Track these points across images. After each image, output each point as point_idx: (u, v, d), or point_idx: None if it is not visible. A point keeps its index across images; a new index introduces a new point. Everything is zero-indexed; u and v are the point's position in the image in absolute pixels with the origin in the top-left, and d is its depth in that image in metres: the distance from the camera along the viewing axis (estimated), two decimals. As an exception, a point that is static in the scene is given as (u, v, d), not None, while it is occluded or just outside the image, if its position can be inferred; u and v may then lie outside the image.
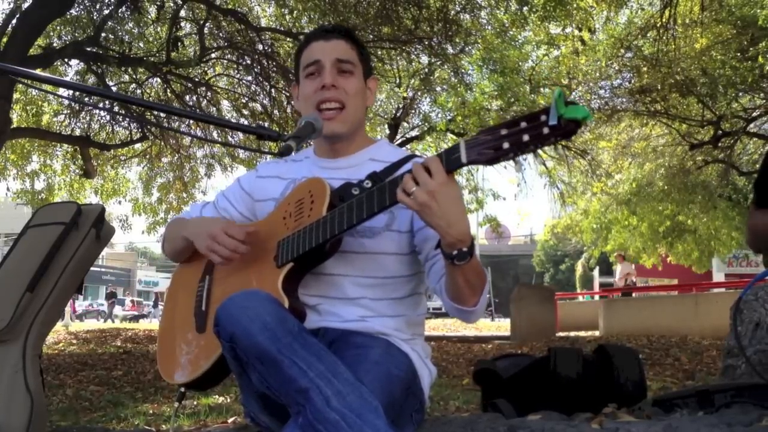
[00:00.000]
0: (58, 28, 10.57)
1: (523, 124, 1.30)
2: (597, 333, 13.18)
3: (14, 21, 8.78)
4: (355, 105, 1.81)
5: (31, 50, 8.77)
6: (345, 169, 1.82)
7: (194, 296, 1.90)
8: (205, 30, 10.68)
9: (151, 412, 4.71)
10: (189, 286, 1.94)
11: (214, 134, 11.91)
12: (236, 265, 1.80)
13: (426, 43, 10.35)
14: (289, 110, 11.26)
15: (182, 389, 1.83)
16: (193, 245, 1.84)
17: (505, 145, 1.31)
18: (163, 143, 12.83)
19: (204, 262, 1.93)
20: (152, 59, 10.58)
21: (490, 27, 11.09)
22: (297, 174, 1.88)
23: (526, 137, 1.30)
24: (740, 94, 12.50)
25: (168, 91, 11.56)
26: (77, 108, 11.83)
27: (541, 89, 12.56)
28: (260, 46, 10.64)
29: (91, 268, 2.43)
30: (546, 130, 1.27)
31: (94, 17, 10.03)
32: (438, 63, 11.67)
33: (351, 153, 1.87)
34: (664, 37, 10.29)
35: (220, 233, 1.73)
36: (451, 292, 1.58)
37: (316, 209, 1.66)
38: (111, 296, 37.27)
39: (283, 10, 11.06)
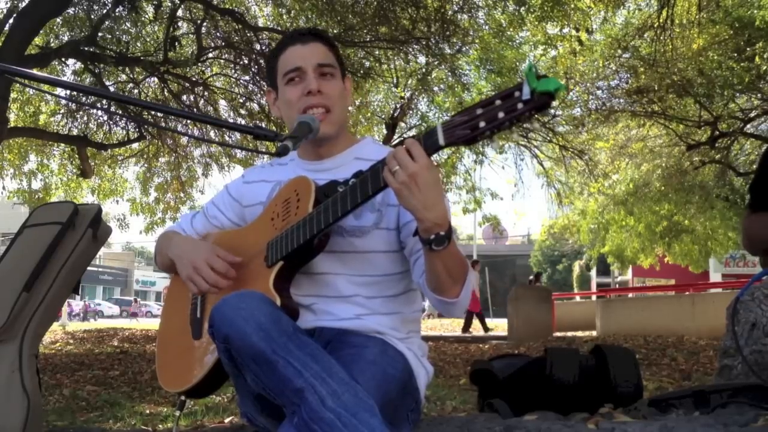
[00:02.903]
0: (56, 27, 10.56)
1: (498, 102, 1.31)
2: (594, 333, 13.20)
3: (11, 20, 8.77)
4: (339, 107, 1.83)
5: (28, 49, 8.76)
6: (331, 170, 1.82)
7: (189, 304, 1.91)
8: (203, 30, 10.67)
9: (147, 412, 4.70)
10: (185, 294, 1.95)
11: (212, 134, 11.91)
12: None
13: (423, 43, 10.36)
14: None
15: (182, 398, 1.83)
16: None
17: (481, 124, 1.32)
18: (160, 143, 12.83)
19: None
20: (149, 59, 10.57)
21: (487, 27, 11.10)
22: (283, 176, 1.88)
23: (501, 114, 1.30)
24: (737, 94, 12.53)
25: (165, 90, 11.56)
26: (74, 108, 11.82)
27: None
28: (257, 46, 10.63)
29: (89, 268, 2.43)
30: (520, 106, 1.28)
31: (92, 17, 10.02)
32: (435, 63, 11.67)
33: (336, 154, 1.87)
34: (661, 38, 10.30)
35: (202, 265, 1.72)
36: (433, 282, 1.58)
37: (302, 207, 1.67)
38: None
39: (280, 9, 11.07)
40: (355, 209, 1.56)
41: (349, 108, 1.94)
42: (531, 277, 18.82)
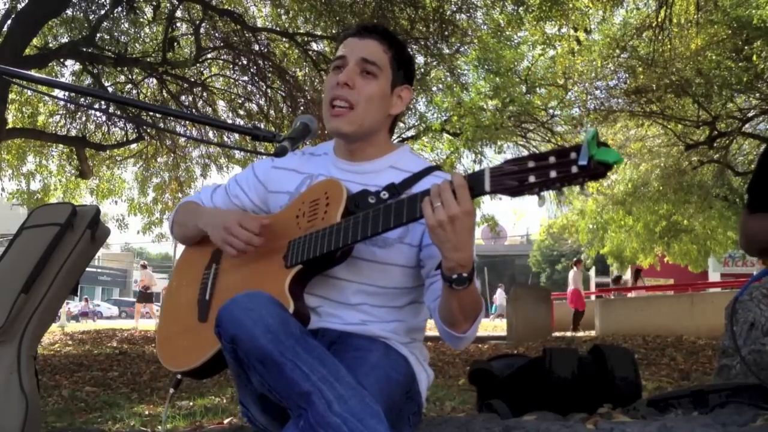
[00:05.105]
0: (54, 28, 10.56)
1: (552, 159, 1.27)
2: (593, 333, 13.20)
3: (10, 21, 8.76)
4: (367, 109, 1.75)
5: (26, 50, 8.76)
6: (364, 174, 1.79)
7: (199, 283, 1.89)
8: (201, 30, 10.68)
9: (146, 413, 4.70)
10: (194, 272, 1.93)
11: (210, 135, 11.90)
12: (244, 258, 1.78)
13: (422, 43, 10.35)
14: (284, 110, 11.26)
15: (179, 376, 1.82)
16: (204, 234, 1.85)
17: (531, 179, 1.28)
18: (158, 143, 12.83)
19: (212, 249, 1.91)
20: (148, 60, 10.58)
21: (485, 27, 11.11)
22: (315, 170, 1.86)
23: (553, 173, 1.26)
24: (735, 94, 12.53)
25: (164, 91, 11.55)
26: (73, 109, 11.82)
27: (537, 89, 12.60)
28: (256, 47, 10.64)
29: (87, 269, 2.43)
30: (575, 169, 1.24)
31: (90, 18, 10.02)
32: (434, 63, 11.67)
33: (371, 158, 1.83)
34: (660, 38, 10.31)
35: (234, 225, 1.72)
36: (444, 314, 1.58)
37: (331, 213, 1.65)
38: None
39: (278, 10, 11.07)
40: (386, 232, 1.54)
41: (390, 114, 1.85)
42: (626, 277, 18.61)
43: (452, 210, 1.37)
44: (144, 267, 20.66)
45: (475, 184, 1.37)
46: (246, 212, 1.79)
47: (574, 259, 17.19)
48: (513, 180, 1.31)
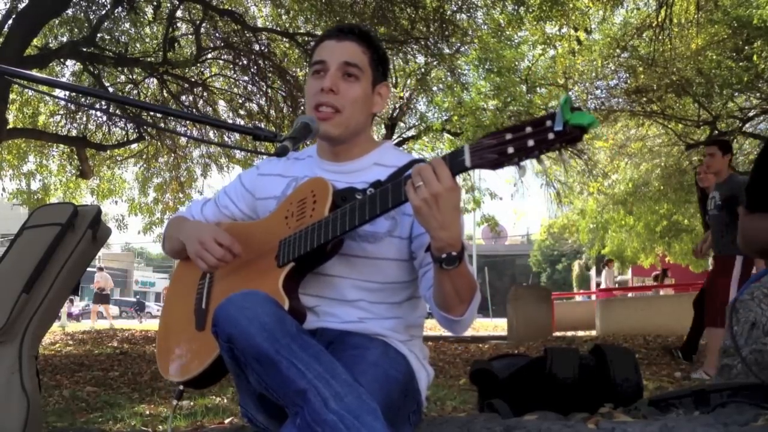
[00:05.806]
0: (55, 28, 10.56)
1: (528, 129, 1.29)
2: (594, 333, 13.20)
3: (10, 21, 8.77)
4: (353, 111, 1.78)
5: (27, 50, 8.76)
6: (350, 174, 1.81)
7: (195, 293, 1.91)
8: (202, 30, 10.67)
9: (147, 412, 4.69)
10: (190, 283, 1.95)
11: (210, 134, 11.91)
12: (237, 264, 1.80)
13: (422, 43, 10.36)
14: (285, 110, 11.27)
15: (181, 387, 1.83)
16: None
17: (510, 150, 1.30)
18: (159, 143, 12.82)
19: None
20: (149, 59, 10.58)
21: (486, 27, 11.11)
22: (299, 173, 1.87)
23: (531, 142, 1.28)
24: (736, 94, 12.53)
25: (164, 91, 11.55)
26: (73, 108, 11.83)
27: (538, 89, 12.59)
28: (256, 47, 10.64)
29: (88, 269, 2.43)
30: (551, 136, 1.26)
31: (91, 17, 10.03)
32: (434, 63, 11.68)
33: (354, 157, 1.84)
34: (660, 37, 10.31)
35: (209, 240, 1.73)
36: (439, 299, 1.58)
37: (318, 209, 1.66)
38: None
39: (279, 10, 11.07)
40: (373, 220, 1.55)
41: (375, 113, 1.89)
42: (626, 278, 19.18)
43: (434, 188, 1.38)
44: (101, 270, 21.12)
45: (455, 161, 1.39)
46: (218, 228, 1.81)
47: (606, 259, 17.53)
48: (492, 153, 1.33)
